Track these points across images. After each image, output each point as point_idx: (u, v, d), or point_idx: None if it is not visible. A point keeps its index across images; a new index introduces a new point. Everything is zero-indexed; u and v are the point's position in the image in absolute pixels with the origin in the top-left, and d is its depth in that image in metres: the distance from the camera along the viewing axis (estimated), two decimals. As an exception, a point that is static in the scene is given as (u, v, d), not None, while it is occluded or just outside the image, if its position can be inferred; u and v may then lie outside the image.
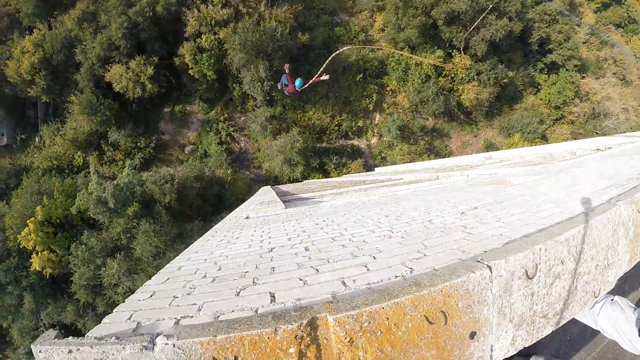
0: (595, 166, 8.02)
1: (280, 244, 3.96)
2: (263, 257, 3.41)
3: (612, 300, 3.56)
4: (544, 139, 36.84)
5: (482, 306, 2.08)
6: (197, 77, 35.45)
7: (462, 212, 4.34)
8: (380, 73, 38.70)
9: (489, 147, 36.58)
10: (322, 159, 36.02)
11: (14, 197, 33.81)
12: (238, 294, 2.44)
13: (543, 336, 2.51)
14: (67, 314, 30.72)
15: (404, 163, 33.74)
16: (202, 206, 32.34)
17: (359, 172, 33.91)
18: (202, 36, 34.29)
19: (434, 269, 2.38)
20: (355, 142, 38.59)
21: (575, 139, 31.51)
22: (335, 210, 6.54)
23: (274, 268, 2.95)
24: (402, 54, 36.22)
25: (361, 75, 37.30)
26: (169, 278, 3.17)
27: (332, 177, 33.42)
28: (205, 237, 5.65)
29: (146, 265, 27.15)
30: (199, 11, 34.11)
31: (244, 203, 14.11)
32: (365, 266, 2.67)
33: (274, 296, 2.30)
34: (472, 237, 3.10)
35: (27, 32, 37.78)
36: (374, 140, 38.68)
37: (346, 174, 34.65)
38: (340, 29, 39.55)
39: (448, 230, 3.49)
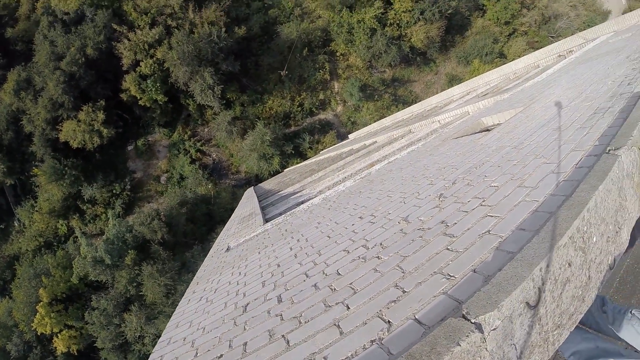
0: (568, 82, 7.67)
1: (254, 295, 3.76)
2: (237, 323, 3.20)
3: (631, 313, 3.28)
4: (503, 56, 36.42)
5: None
6: (148, 105, 34.84)
7: (440, 195, 3.88)
8: (326, 41, 38.08)
9: (452, 80, 36.22)
10: (295, 142, 35.59)
11: (14, 289, 33.39)
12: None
13: (561, 343, 2.11)
14: (105, 381, 30.50)
15: (375, 121, 33.42)
16: (195, 229, 31.95)
17: (334, 144, 33.58)
18: (141, 63, 33.55)
19: (416, 319, 2.01)
20: (322, 116, 38.16)
21: (532, 49, 31.24)
22: (310, 217, 6.33)
23: (246, 344, 2.72)
24: (341, 17, 35.64)
25: (307, 49, 36.61)
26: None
27: (309, 157, 33.04)
28: (187, 296, 5.76)
29: (162, 307, 26.92)
30: (129, 40, 33.26)
31: (228, 222, 13.90)
32: (338, 326, 2.33)
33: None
34: (456, 243, 2.62)
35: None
36: (340, 109, 38.23)
37: (322, 149, 34.32)
38: (274, 10, 38.83)
39: (427, 235, 3.02)
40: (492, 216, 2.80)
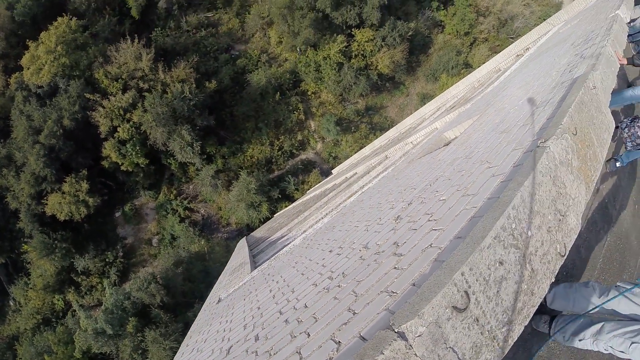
0: (520, 81, 7.78)
1: (237, 338, 3.91)
2: None
3: (617, 286, 3.61)
4: (469, 66, 37.05)
5: None
6: (131, 169, 34.91)
7: (398, 217, 4.01)
8: (296, 82, 38.70)
9: (424, 98, 36.67)
10: (281, 186, 35.62)
11: (16, 373, 32.47)
12: None
13: (515, 339, 2.18)
14: None
15: (355, 152, 33.67)
16: (193, 288, 31.59)
17: (319, 182, 33.68)
18: (118, 129, 33.71)
19: (360, 336, 2.14)
20: (303, 156, 38.40)
21: (495, 53, 31.89)
22: (290, 258, 6.44)
23: None
24: (307, 56, 36.34)
25: (278, 93, 37.16)
26: None
27: (297, 198, 33.08)
28: (181, 350, 6.06)
29: (171, 370, 26.36)
30: (104, 107, 33.49)
31: (221, 274, 13.89)
32: (299, 352, 2.47)
33: None
34: (402, 261, 2.74)
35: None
36: (319, 146, 38.54)
37: (308, 189, 34.40)
38: (241, 60, 39.42)
39: (381, 257, 3.14)
40: (435, 229, 2.87)
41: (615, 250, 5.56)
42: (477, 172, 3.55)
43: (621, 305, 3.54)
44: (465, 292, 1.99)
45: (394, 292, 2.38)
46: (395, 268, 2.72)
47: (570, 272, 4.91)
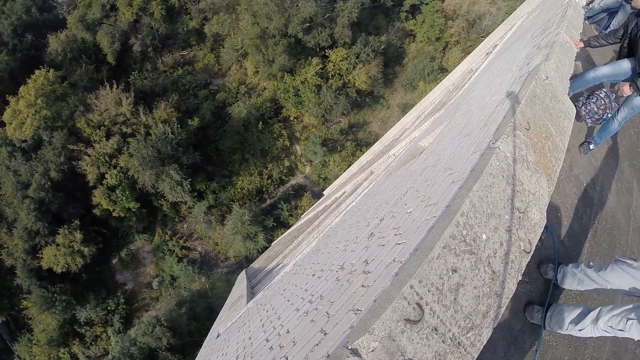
0: (484, 81, 7.81)
1: None
2: None
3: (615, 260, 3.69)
4: (444, 70, 37.27)
5: None
6: (123, 215, 34.72)
7: (371, 234, 4.08)
8: (277, 109, 38.94)
9: (405, 108, 36.79)
10: (274, 214, 35.62)
11: None
12: None
13: (485, 342, 2.24)
14: None
15: (344, 171, 33.70)
16: (199, 326, 31.30)
17: (312, 205, 33.62)
18: (106, 175, 33.64)
19: (328, 356, 2.14)
20: (293, 181, 38.50)
21: (468, 54, 32.07)
22: (280, 287, 6.51)
23: None
24: (285, 82, 36.63)
25: (261, 122, 37.35)
26: None
27: (292, 224, 33.00)
28: None
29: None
30: (89, 155, 33.44)
31: (222, 310, 13.82)
32: None
33: None
34: (368, 279, 2.80)
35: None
36: (308, 169, 38.66)
37: (302, 213, 34.32)
38: (221, 94, 39.60)
39: (352, 276, 3.20)
40: (399, 244, 2.88)
41: (603, 232, 5.53)
42: (439, 180, 3.56)
43: (620, 279, 3.65)
44: (417, 304, 2.04)
45: (359, 310, 2.41)
46: (362, 286, 2.75)
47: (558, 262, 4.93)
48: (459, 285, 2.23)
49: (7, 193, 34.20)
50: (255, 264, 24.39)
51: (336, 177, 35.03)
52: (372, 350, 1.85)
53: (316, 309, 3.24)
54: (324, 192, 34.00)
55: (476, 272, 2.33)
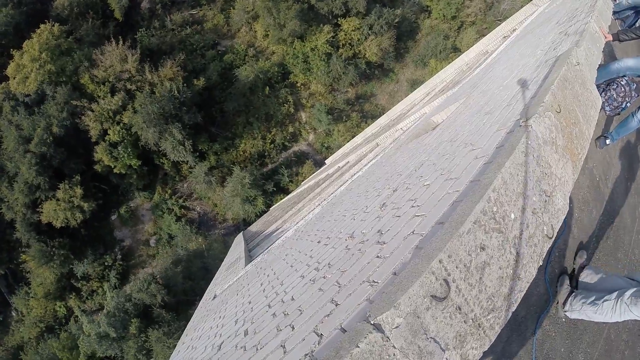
0: (505, 62, 7.75)
1: (228, 333, 3.93)
2: None
3: None
4: (457, 50, 36.73)
5: None
6: (124, 172, 34.68)
7: (383, 204, 3.97)
8: (285, 74, 38.42)
9: (414, 84, 36.40)
10: (275, 179, 35.57)
11: (22, 383, 32.35)
12: None
13: (503, 326, 2.15)
14: None
15: (347, 141, 33.59)
16: (194, 285, 31.53)
17: (313, 173, 33.64)
18: (109, 131, 33.45)
19: (341, 328, 2.08)
20: (295, 148, 38.28)
21: (483, 36, 31.74)
22: (281, 252, 6.47)
23: None
24: (294, 48, 36.14)
25: (267, 86, 36.92)
26: None
27: (292, 190, 33.03)
28: (177, 348, 6.07)
29: (176, 368, 26.39)
30: (93, 111, 33.23)
31: (218, 270, 13.95)
32: (284, 346, 2.45)
33: None
34: (384, 250, 2.71)
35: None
36: (311, 137, 38.44)
37: (303, 180, 34.33)
38: (229, 56, 39.03)
39: (365, 246, 3.11)
40: (418, 216, 2.80)
41: (609, 229, 5.56)
42: (460, 155, 3.48)
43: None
44: (445, 280, 1.94)
45: (375, 282, 2.33)
46: (377, 257, 2.67)
47: (562, 253, 4.90)
48: (486, 264, 2.15)
49: (9, 147, 34.06)
50: (253, 227, 24.55)
51: (339, 146, 34.93)
52: (396, 327, 1.74)
53: (324, 277, 3.17)
54: (325, 161, 33.99)
55: (502, 252, 2.24)
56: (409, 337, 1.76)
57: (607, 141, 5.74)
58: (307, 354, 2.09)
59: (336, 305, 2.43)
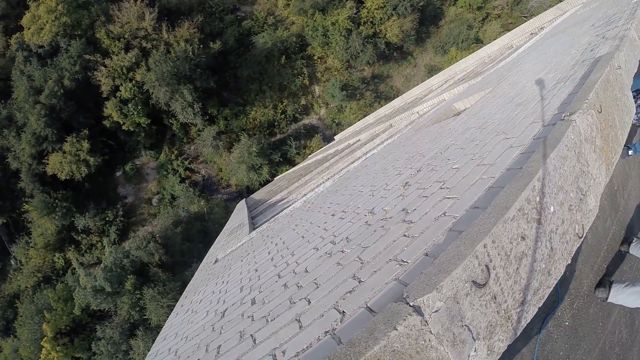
0: (535, 57, 7.64)
1: (232, 300, 3.86)
2: (215, 329, 3.35)
3: None
4: (479, 42, 36.26)
5: (425, 353, 1.59)
6: (132, 129, 34.74)
7: (406, 183, 3.86)
8: (303, 46, 38.12)
9: (431, 70, 36.13)
10: (282, 150, 35.60)
11: (17, 328, 32.90)
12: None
13: (529, 321, 2.07)
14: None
15: (359, 120, 33.42)
16: (192, 248, 31.79)
17: (321, 147, 33.57)
18: (120, 88, 33.44)
19: (367, 307, 2.01)
20: (306, 121, 38.17)
21: (507, 31, 31.32)
22: (290, 221, 6.45)
23: (219, 347, 2.85)
24: (315, 20, 35.67)
25: (284, 56, 36.62)
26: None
27: (298, 163, 32.99)
28: (175, 310, 6.02)
29: (167, 329, 26.69)
30: (106, 67, 33.10)
31: (219, 235, 13.98)
32: (299, 320, 2.38)
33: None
34: (412, 229, 2.61)
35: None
36: (323, 112, 38.25)
37: (310, 154, 34.28)
38: (247, 22, 38.79)
39: (388, 224, 3.01)
40: (449, 198, 2.75)
41: (620, 240, 5.54)
42: (492, 143, 3.44)
43: None
44: (486, 266, 1.86)
45: (404, 261, 2.25)
46: (405, 236, 2.59)
47: (575, 257, 4.84)
48: (523, 255, 2.07)
49: (19, 97, 34.11)
50: (256, 195, 24.60)
51: (350, 124, 34.87)
52: (436, 311, 1.63)
53: (342, 251, 3.08)
54: (335, 137, 33.91)
55: (539, 245, 2.16)
56: (446, 323, 1.65)
57: (630, 152, 5.65)
58: (327, 331, 2.01)
59: (359, 282, 2.33)
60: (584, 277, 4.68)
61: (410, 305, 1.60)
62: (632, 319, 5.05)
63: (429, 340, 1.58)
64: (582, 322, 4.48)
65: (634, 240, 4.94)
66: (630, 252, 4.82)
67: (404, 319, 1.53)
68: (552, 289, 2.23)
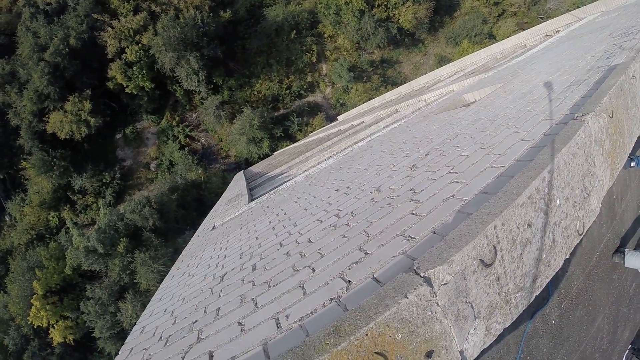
0: (549, 58, 7.70)
1: (232, 266, 3.92)
2: (214, 292, 3.41)
3: None
4: (492, 37, 35.93)
5: (430, 324, 1.64)
6: (135, 92, 34.55)
7: (413, 165, 3.93)
8: (314, 23, 37.70)
9: (441, 60, 35.88)
10: (284, 125, 35.47)
11: (8, 284, 33.09)
12: (183, 358, 2.44)
13: (525, 307, 2.16)
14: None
15: (364, 102, 33.31)
16: (186, 215, 31.89)
17: (323, 126, 33.52)
18: (126, 50, 33.15)
19: (374, 278, 2.08)
20: (310, 98, 37.97)
21: (521, 29, 31.09)
22: (292, 194, 6.55)
23: (219, 309, 2.91)
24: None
25: (294, 31, 36.29)
26: (132, 348, 3.18)
27: (299, 139, 32.95)
28: (171, 273, 5.90)
29: (157, 293, 26.88)
30: (113, 28, 32.78)
31: (216, 204, 14.07)
32: (303, 287, 2.45)
33: (212, 356, 2.26)
34: (420, 208, 2.68)
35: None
36: (328, 91, 38.02)
37: (312, 131, 34.24)
38: (260, -8, 38.26)
39: (395, 201, 3.08)
40: (458, 182, 2.85)
41: (613, 248, 5.63)
42: (503, 135, 3.56)
43: None
44: (494, 247, 1.93)
45: (412, 237, 2.32)
46: (412, 214, 2.67)
47: (568, 258, 4.92)
48: (528, 242, 2.16)
49: (24, 54, 33.80)
50: (255, 168, 24.70)
51: (354, 105, 34.80)
52: (445, 284, 1.69)
53: (347, 224, 3.16)
54: (338, 117, 33.87)
55: (542, 235, 2.26)
56: (453, 297, 1.70)
57: (632, 164, 5.67)
58: (332, 299, 2.07)
59: (365, 254, 2.39)
60: (574, 279, 4.75)
61: (420, 276, 1.65)
62: (615, 328, 5.14)
63: (435, 312, 1.64)
64: (568, 323, 4.58)
65: (625, 252, 5.02)
66: (626, 264, 4.91)
67: (415, 288, 1.59)
68: (549, 279, 2.31)
